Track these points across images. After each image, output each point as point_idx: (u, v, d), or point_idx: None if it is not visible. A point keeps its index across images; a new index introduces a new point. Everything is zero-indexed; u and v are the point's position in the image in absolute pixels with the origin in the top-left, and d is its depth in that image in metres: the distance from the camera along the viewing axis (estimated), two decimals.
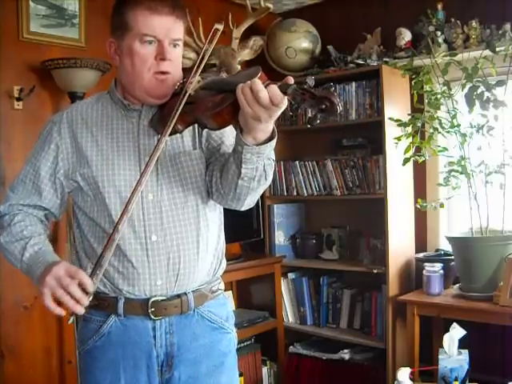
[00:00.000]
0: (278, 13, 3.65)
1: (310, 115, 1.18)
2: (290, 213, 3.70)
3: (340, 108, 1.14)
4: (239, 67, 3.05)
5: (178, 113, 1.34)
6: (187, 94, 1.35)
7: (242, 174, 1.33)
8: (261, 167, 1.34)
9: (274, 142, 1.31)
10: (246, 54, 3.19)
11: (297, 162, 3.49)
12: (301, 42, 3.46)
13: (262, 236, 3.55)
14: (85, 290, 1.28)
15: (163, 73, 1.40)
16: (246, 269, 3.22)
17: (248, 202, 1.45)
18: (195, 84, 1.37)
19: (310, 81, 1.16)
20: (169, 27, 1.39)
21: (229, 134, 1.50)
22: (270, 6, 3.08)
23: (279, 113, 1.22)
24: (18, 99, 2.60)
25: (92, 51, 2.77)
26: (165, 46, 1.39)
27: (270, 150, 1.32)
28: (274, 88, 1.18)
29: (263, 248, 3.61)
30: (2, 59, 2.58)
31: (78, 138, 1.47)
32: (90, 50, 2.80)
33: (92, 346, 1.48)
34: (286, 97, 1.18)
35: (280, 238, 3.63)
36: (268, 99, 1.18)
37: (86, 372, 1.51)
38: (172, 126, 1.34)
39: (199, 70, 1.38)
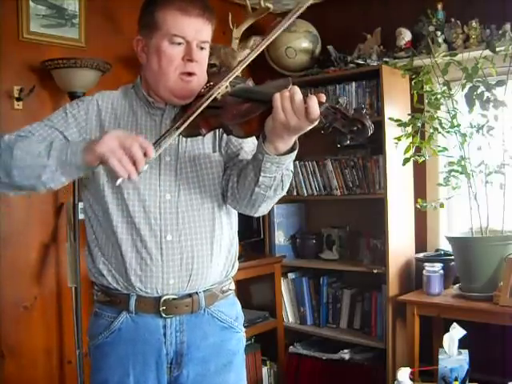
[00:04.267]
0: (277, 13, 3.65)
1: (339, 134, 1.18)
2: (290, 213, 3.70)
3: (371, 131, 1.15)
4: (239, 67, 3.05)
5: (199, 111, 1.33)
6: (212, 97, 1.35)
7: (260, 182, 1.35)
8: (279, 177, 1.36)
9: (294, 154, 1.32)
10: (245, 54, 3.19)
11: (297, 162, 3.48)
12: (301, 41, 3.46)
13: (262, 236, 3.55)
14: (146, 154, 1.22)
15: (189, 74, 1.41)
16: (246, 269, 3.21)
17: (262, 210, 1.46)
18: (223, 89, 1.37)
19: (342, 100, 1.17)
20: (198, 29, 1.40)
21: (249, 140, 1.51)
22: (270, 6, 3.09)
23: (309, 128, 1.22)
24: (18, 99, 2.60)
25: (92, 51, 2.77)
26: (193, 48, 1.39)
27: (290, 161, 1.33)
28: (314, 101, 1.18)
29: (263, 248, 3.61)
30: (2, 59, 2.58)
31: (105, 126, 1.47)
32: (90, 50, 2.80)
33: (102, 341, 1.49)
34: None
35: (280, 237, 3.63)
36: (302, 106, 1.19)
37: (97, 366, 1.52)
38: (189, 121, 1.32)
39: (232, 76, 1.37)
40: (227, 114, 1.33)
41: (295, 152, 1.32)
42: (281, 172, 1.35)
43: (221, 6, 3.36)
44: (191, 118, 1.32)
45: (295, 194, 3.52)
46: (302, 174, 3.46)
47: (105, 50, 2.82)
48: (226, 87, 1.38)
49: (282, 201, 3.64)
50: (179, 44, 1.39)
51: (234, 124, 1.32)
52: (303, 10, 1.38)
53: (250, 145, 1.51)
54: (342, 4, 3.52)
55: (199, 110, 1.33)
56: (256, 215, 1.50)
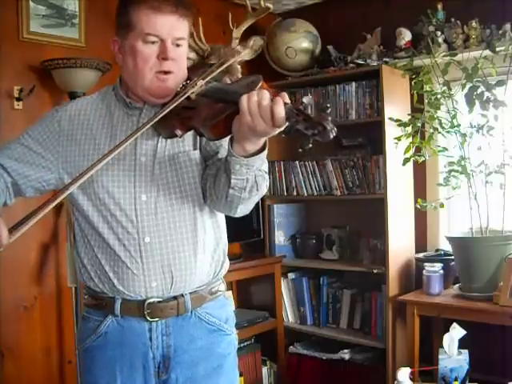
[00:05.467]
0: (277, 13, 3.65)
1: (302, 137, 1.12)
2: (290, 213, 3.70)
3: (333, 134, 1.09)
4: (239, 67, 3.05)
5: (169, 110, 1.31)
6: (184, 96, 1.33)
7: (232, 184, 1.32)
8: (252, 178, 1.33)
9: (264, 155, 1.30)
10: (245, 54, 3.19)
11: (297, 162, 3.48)
12: (301, 41, 3.46)
13: (262, 236, 3.55)
14: None
15: (165, 72, 1.39)
16: (246, 269, 3.22)
17: (241, 211, 1.43)
18: (198, 88, 1.35)
19: (307, 100, 1.12)
20: (172, 26, 1.38)
21: (227, 139, 1.49)
22: (270, 6, 3.07)
23: (275, 133, 1.20)
24: (18, 99, 2.60)
25: (92, 51, 2.77)
26: (167, 46, 1.37)
27: (260, 162, 1.30)
28: (280, 106, 1.15)
29: (263, 248, 3.61)
30: (2, 59, 2.58)
31: (77, 134, 1.47)
32: (90, 49, 2.80)
33: (90, 345, 1.48)
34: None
35: (280, 237, 3.63)
36: (269, 109, 1.16)
37: (86, 370, 1.52)
38: (156, 119, 1.30)
39: (208, 76, 1.34)
40: (199, 115, 1.31)
41: (265, 153, 1.29)
42: (253, 173, 1.32)
43: (221, 5, 3.36)
44: (158, 117, 1.30)
45: (295, 194, 3.51)
46: (302, 174, 3.46)
47: (105, 50, 2.78)
48: (201, 86, 1.35)
49: (281, 201, 3.65)
50: (153, 43, 1.37)
51: (205, 126, 1.29)
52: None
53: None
54: (342, 4, 3.52)
55: (168, 110, 1.31)
56: (236, 216, 1.46)
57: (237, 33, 3.16)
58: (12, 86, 2.60)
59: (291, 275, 3.58)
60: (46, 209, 1.20)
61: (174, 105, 1.32)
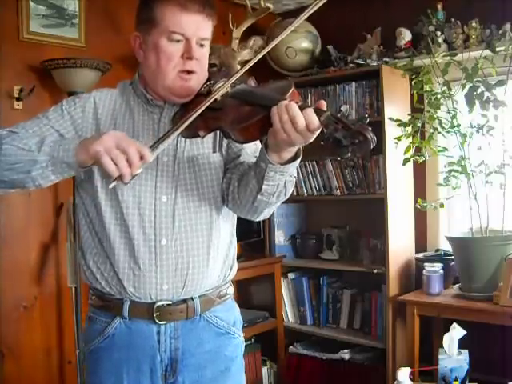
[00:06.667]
0: (277, 13, 3.65)
1: (340, 146, 1.11)
2: (290, 213, 3.69)
3: (373, 144, 1.08)
4: (239, 67, 3.05)
5: (198, 113, 1.28)
6: (213, 98, 1.30)
7: (263, 190, 1.30)
8: (282, 184, 1.31)
9: (298, 161, 1.28)
10: (245, 54, 3.19)
11: None
12: (301, 41, 3.46)
13: (262, 236, 3.55)
14: (142, 158, 1.19)
15: (189, 72, 1.37)
16: (246, 269, 3.21)
17: (264, 215, 1.42)
18: (224, 90, 1.32)
19: (344, 108, 1.12)
20: (197, 26, 1.35)
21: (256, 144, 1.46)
22: (270, 6, 3.09)
23: (313, 138, 1.18)
24: (18, 99, 2.60)
25: (92, 51, 2.77)
26: (192, 45, 1.35)
27: (293, 168, 1.29)
28: (311, 113, 1.13)
29: (263, 248, 3.60)
30: (2, 59, 2.58)
31: (101, 124, 1.43)
32: (89, 50, 2.80)
33: (96, 346, 1.46)
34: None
35: (280, 237, 3.62)
36: (305, 126, 1.14)
37: (91, 372, 1.50)
38: (188, 122, 1.28)
39: (234, 77, 1.31)
40: (226, 117, 1.29)
41: (299, 159, 1.28)
42: (284, 179, 1.30)
43: (221, 5, 3.36)
44: (190, 120, 1.27)
45: (295, 194, 3.51)
46: (302, 174, 3.46)
47: (105, 49, 2.82)
48: (227, 88, 1.33)
49: None
50: (178, 41, 1.35)
51: (233, 129, 1.27)
52: (319, 6, 1.32)
53: (251, 146, 1.45)
54: (342, 4, 3.51)
55: (198, 112, 1.28)
56: (257, 220, 1.45)
57: (237, 33, 3.18)
58: (12, 85, 2.60)
59: (291, 275, 3.58)
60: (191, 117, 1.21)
61: (206, 106, 1.28)
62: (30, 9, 2.64)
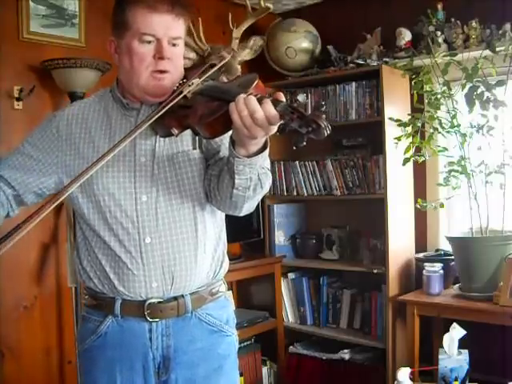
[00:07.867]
0: (277, 13, 3.65)
1: (296, 135, 1.12)
2: (290, 213, 3.70)
3: (327, 132, 1.09)
4: (239, 67, 3.05)
5: (165, 109, 1.31)
6: (181, 95, 1.33)
7: (236, 184, 1.33)
8: (255, 177, 1.33)
9: (266, 153, 1.30)
10: (245, 54, 3.19)
11: (297, 162, 3.49)
12: (301, 41, 3.46)
13: (262, 236, 3.55)
14: None
15: (161, 72, 1.39)
16: (246, 269, 3.22)
17: (247, 209, 1.44)
18: (194, 87, 1.35)
19: (301, 98, 1.13)
20: (167, 25, 1.37)
21: (227, 137, 1.47)
22: (270, 6, 3.08)
23: (274, 130, 1.20)
24: (18, 99, 2.60)
25: (92, 51, 2.77)
26: (163, 45, 1.37)
27: (262, 160, 1.31)
28: (269, 106, 1.15)
29: (263, 248, 3.61)
30: (2, 59, 2.58)
31: (76, 137, 1.47)
32: (89, 49, 2.80)
33: (90, 345, 1.48)
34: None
35: (280, 237, 3.63)
36: (264, 119, 1.16)
37: (85, 371, 1.52)
38: (155, 118, 1.30)
39: (204, 75, 1.34)
40: (195, 114, 1.31)
41: (267, 151, 1.29)
42: (256, 172, 1.32)
43: (221, 5, 3.36)
44: (156, 116, 1.30)
45: (295, 194, 3.52)
46: (302, 174, 3.46)
47: (105, 50, 2.77)
48: (197, 84, 1.35)
49: (282, 201, 3.65)
50: (149, 42, 1.37)
51: (200, 125, 1.29)
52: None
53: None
54: (342, 4, 3.52)
55: (165, 109, 1.31)
56: (241, 215, 1.47)
57: (237, 33, 3.18)
58: (12, 86, 2.60)
59: (291, 275, 3.58)
60: (44, 211, 1.18)
61: (172, 103, 1.32)
62: (30, 9, 2.64)
